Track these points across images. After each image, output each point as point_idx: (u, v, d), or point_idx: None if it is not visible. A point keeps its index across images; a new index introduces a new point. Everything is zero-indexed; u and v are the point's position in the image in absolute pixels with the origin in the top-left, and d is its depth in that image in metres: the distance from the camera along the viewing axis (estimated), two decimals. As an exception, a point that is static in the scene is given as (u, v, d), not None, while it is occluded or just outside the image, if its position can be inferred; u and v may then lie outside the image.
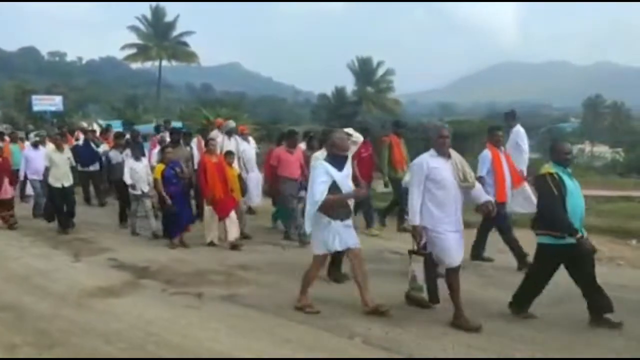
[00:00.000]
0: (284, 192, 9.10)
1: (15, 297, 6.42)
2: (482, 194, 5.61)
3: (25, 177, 12.11)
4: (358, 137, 7.76)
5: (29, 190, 12.52)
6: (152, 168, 9.87)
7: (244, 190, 9.65)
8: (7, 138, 15.59)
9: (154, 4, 56.11)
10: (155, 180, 9.09)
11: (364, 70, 58.05)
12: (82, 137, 15.70)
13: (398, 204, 9.88)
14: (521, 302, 5.54)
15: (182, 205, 9.03)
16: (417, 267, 5.48)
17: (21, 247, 9.09)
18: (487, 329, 5.10)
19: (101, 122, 29.73)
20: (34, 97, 37.85)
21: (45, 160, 10.30)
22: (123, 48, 55.27)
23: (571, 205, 5.20)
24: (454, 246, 5.32)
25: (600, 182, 16.39)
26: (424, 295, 5.48)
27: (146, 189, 9.85)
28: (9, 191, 10.63)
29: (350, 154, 5.99)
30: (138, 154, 10.17)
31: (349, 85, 57.89)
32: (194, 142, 11.59)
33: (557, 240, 5.21)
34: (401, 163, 9.81)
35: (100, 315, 5.81)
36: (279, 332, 5.24)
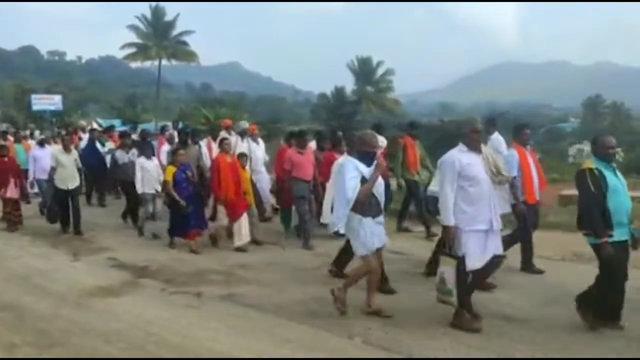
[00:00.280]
0: (295, 194, 8.90)
1: (14, 297, 6.41)
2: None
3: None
4: (383, 142, 7.45)
5: (31, 189, 12.44)
6: (163, 167, 9.74)
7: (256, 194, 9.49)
8: (10, 138, 15.55)
9: (153, 3, 56.05)
10: (165, 182, 8.85)
11: (364, 70, 58.03)
12: (84, 136, 15.67)
13: (407, 206, 9.78)
14: (606, 315, 5.14)
15: (193, 209, 8.71)
16: (448, 270, 5.18)
17: (21, 247, 9.09)
18: (487, 329, 5.09)
19: (101, 121, 29.76)
20: (33, 96, 37.83)
21: (51, 160, 10.17)
22: (123, 47, 55.16)
23: (614, 203, 4.92)
24: (480, 248, 5.09)
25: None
26: (453, 300, 5.19)
27: (159, 188, 9.62)
28: (14, 191, 10.51)
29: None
30: (149, 153, 9.98)
31: (349, 85, 57.91)
32: (204, 142, 11.42)
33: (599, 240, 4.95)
34: (415, 165, 9.56)
35: (100, 314, 5.81)
36: (279, 332, 5.24)
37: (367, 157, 5.46)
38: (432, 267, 6.41)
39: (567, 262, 7.62)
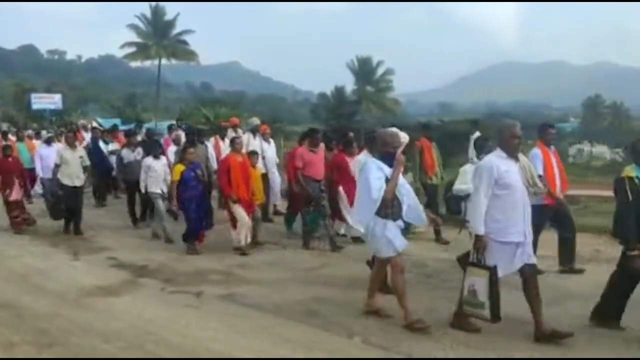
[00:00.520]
0: (305, 194, 8.69)
1: (14, 296, 6.41)
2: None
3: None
4: (405, 137, 7.47)
5: (36, 189, 12.35)
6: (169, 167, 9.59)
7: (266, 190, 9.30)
8: (12, 137, 15.48)
9: (153, 3, 56.03)
10: (172, 182, 8.68)
11: (364, 70, 58.00)
12: (87, 135, 15.59)
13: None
14: (608, 315, 5.11)
15: (200, 210, 8.58)
16: (479, 282, 4.88)
17: (20, 246, 9.09)
18: (486, 329, 5.09)
19: (100, 120, 29.75)
20: (33, 95, 37.90)
21: (56, 158, 10.05)
22: (122, 46, 55.12)
23: None
24: (512, 259, 4.89)
25: (600, 183, 16.37)
26: (486, 312, 4.88)
27: (165, 188, 9.46)
28: (19, 192, 10.33)
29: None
30: (157, 153, 9.82)
31: (349, 84, 57.91)
32: (211, 142, 11.23)
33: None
34: (432, 168, 9.34)
35: (100, 314, 5.81)
36: (278, 332, 5.23)
37: (388, 157, 5.31)
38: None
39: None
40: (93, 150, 12.59)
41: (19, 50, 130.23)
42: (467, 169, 6.57)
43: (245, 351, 4.80)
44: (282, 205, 11.12)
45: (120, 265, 7.85)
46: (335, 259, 8.11)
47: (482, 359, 4.64)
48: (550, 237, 7.36)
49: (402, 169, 5.35)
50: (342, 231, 9.14)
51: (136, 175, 9.98)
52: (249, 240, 8.48)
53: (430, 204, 9.16)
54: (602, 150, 42.02)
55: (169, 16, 56.14)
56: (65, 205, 9.88)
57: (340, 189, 8.95)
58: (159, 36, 54.97)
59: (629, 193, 4.84)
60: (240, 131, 11.43)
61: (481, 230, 4.84)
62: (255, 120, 11.34)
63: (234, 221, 8.44)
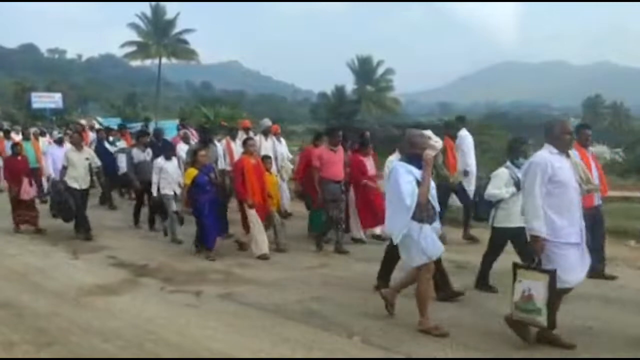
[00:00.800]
0: (324, 197, 8.32)
1: (13, 295, 6.40)
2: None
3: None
4: (438, 142, 7.20)
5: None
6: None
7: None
8: (15, 136, 15.42)
9: (154, 2, 56.03)
10: (184, 185, 8.36)
11: (364, 69, 58.09)
12: (91, 135, 15.52)
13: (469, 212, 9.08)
14: None
15: (215, 215, 8.25)
16: (536, 287, 4.55)
17: (20, 244, 9.08)
18: (485, 329, 5.09)
19: (100, 119, 29.74)
20: (33, 94, 37.94)
21: (63, 160, 9.79)
22: (123, 46, 55.17)
23: None
24: (576, 262, 4.63)
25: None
26: (542, 319, 4.57)
27: (178, 190, 9.20)
28: (29, 192, 10.07)
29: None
30: (169, 154, 9.61)
31: (349, 84, 57.97)
32: (222, 144, 10.98)
33: None
34: (455, 168, 8.89)
35: (99, 313, 5.80)
36: (278, 331, 5.23)
37: (417, 159, 5.06)
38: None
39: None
40: (101, 151, 12.20)
41: (19, 49, 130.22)
42: (501, 173, 6.31)
43: (245, 350, 4.80)
44: (291, 207, 11.02)
45: (120, 264, 7.85)
46: (335, 259, 8.10)
47: (482, 359, 4.64)
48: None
49: (431, 170, 5.13)
50: (378, 231, 8.90)
51: (146, 176, 9.85)
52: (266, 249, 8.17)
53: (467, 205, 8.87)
54: (602, 150, 41.99)
55: (169, 15, 56.26)
56: (74, 207, 9.53)
57: (352, 189, 8.81)
58: (159, 35, 55.02)
59: None
60: (251, 133, 11.24)
61: (542, 231, 4.51)
62: (267, 122, 11.07)
63: (246, 226, 8.28)
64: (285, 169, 11.00)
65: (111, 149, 12.91)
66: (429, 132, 5.53)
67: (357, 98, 55.84)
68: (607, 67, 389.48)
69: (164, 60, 55.61)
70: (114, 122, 23.96)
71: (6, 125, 24.54)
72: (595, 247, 6.54)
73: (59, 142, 12.24)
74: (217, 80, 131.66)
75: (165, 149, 9.81)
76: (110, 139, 13.57)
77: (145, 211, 10.48)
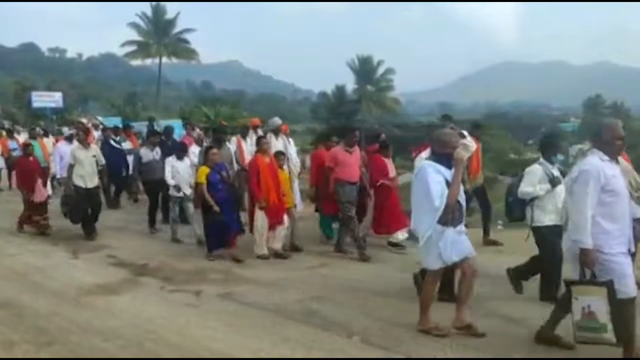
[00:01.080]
0: (340, 199, 8.07)
1: (13, 295, 6.40)
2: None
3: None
4: (471, 143, 6.70)
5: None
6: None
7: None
8: (18, 136, 15.36)
9: (154, 2, 56.06)
10: (198, 185, 8.07)
11: (364, 69, 58.10)
12: (96, 133, 15.41)
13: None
14: None
15: (229, 214, 8.02)
16: (596, 302, 4.26)
17: (20, 244, 9.08)
18: (485, 329, 5.08)
19: (101, 118, 29.74)
20: (33, 93, 37.95)
21: (69, 158, 9.58)
22: (123, 45, 55.23)
23: None
24: (630, 270, 4.37)
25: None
26: (608, 336, 4.27)
27: (188, 191, 9.09)
28: (43, 193, 9.85)
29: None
30: (181, 153, 9.40)
31: (349, 83, 57.99)
32: (233, 142, 10.78)
33: None
34: (477, 171, 8.58)
35: (99, 312, 5.80)
36: (278, 331, 5.23)
37: (447, 158, 4.86)
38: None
39: (566, 262, 7.59)
40: (106, 151, 11.87)
41: (19, 48, 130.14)
42: (534, 170, 6.05)
43: (245, 350, 4.80)
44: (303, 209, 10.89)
45: (120, 263, 7.85)
46: (335, 258, 8.10)
47: (482, 359, 4.64)
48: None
49: (462, 170, 4.96)
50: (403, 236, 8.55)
51: (156, 176, 9.73)
52: (279, 245, 8.16)
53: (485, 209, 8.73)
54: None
55: (169, 15, 56.34)
56: (80, 206, 9.42)
57: (372, 193, 8.55)
58: (160, 35, 55.07)
59: None
60: (260, 132, 11.13)
61: (589, 243, 4.27)
62: (277, 121, 10.76)
63: (252, 225, 8.21)
64: (295, 168, 10.90)
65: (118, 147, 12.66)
66: (464, 132, 5.28)
67: (358, 98, 55.85)
68: (607, 67, 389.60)
69: (164, 59, 55.69)
70: (114, 122, 23.96)
71: (7, 124, 24.57)
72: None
73: (69, 139, 12.09)
74: (217, 79, 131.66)
75: (178, 149, 9.60)
76: (117, 138, 13.31)
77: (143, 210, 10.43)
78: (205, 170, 8.02)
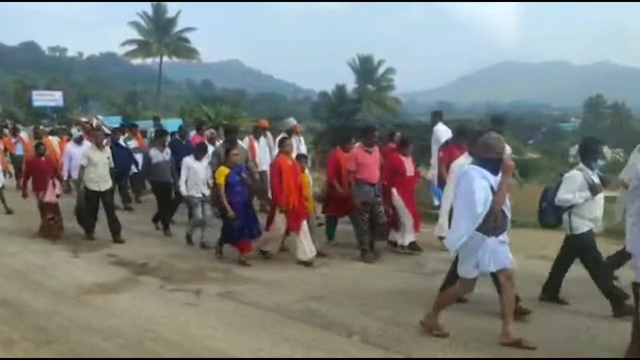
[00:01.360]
0: (356, 199, 7.89)
1: (13, 293, 6.41)
2: None
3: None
4: (506, 149, 6.75)
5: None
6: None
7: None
8: (22, 135, 15.24)
9: (155, 1, 56.09)
10: (217, 186, 7.84)
11: (365, 69, 58.12)
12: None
13: None
14: None
15: (246, 216, 7.80)
16: None
17: (20, 243, 9.07)
18: (485, 329, 5.08)
19: (101, 117, 29.73)
20: (34, 92, 37.97)
21: (82, 159, 9.26)
22: (124, 44, 55.34)
23: None
24: None
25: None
26: None
27: (207, 192, 8.84)
28: (54, 193, 9.53)
29: None
30: (200, 154, 9.11)
31: (350, 83, 57.97)
32: (245, 142, 10.60)
33: None
34: None
35: (99, 311, 5.80)
36: (277, 330, 5.23)
37: (492, 163, 4.67)
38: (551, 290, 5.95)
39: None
40: (114, 152, 11.05)
41: (20, 47, 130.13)
42: (574, 176, 5.70)
43: (244, 349, 4.80)
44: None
45: (120, 262, 7.84)
46: (335, 258, 8.09)
47: (481, 358, 4.64)
48: (542, 236, 7.39)
49: (510, 177, 4.84)
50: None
51: (165, 177, 9.60)
52: (314, 252, 7.81)
53: None
54: (604, 151, 42.00)
55: (170, 14, 56.44)
56: (90, 210, 9.27)
57: (394, 191, 8.32)
58: (160, 34, 55.15)
59: None
60: (269, 133, 11.01)
61: None
62: (292, 121, 10.65)
63: (269, 224, 7.97)
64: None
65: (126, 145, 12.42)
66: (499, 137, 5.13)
67: (358, 97, 55.79)
68: (607, 67, 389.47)
69: (164, 58, 55.78)
70: (114, 121, 23.89)
71: (10, 123, 24.48)
72: None
73: (79, 140, 11.91)
74: (217, 78, 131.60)
75: (198, 149, 9.29)
76: (125, 136, 13.06)
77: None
78: (224, 171, 7.80)
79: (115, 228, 9.17)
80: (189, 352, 4.79)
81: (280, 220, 7.83)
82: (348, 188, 8.00)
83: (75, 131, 16.15)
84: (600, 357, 4.65)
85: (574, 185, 5.62)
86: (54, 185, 9.56)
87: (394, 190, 8.31)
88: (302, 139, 10.71)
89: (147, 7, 57.23)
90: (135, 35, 55.41)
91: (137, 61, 60.83)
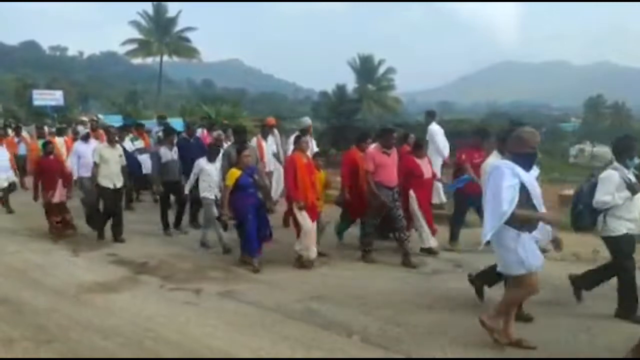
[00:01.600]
0: (371, 202, 7.74)
1: (13, 292, 6.41)
2: None
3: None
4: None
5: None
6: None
7: None
8: (25, 134, 15.13)
9: (155, 1, 56.06)
10: (225, 186, 7.64)
11: (365, 68, 58.01)
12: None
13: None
14: None
15: (259, 219, 7.59)
16: None
17: (20, 242, 9.07)
18: (484, 330, 5.08)
19: (102, 117, 29.72)
20: (34, 91, 37.88)
21: (94, 156, 9.19)
22: (124, 43, 55.28)
23: None
24: None
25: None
26: None
27: (220, 194, 8.52)
28: (62, 193, 9.43)
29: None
30: (213, 155, 8.90)
31: (350, 83, 57.88)
32: (253, 142, 10.43)
33: None
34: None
35: (99, 310, 5.81)
36: (277, 330, 5.23)
37: (526, 158, 4.55)
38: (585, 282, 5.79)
39: (566, 262, 7.60)
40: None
41: (20, 46, 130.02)
42: (610, 176, 5.43)
43: (244, 349, 4.80)
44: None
45: (120, 261, 7.84)
46: (335, 258, 8.09)
47: (481, 358, 4.64)
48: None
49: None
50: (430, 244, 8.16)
51: (174, 177, 9.55)
52: (315, 253, 7.63)
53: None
54: (603, 150, 41.98)
55: (170, 13, 56.38)
56: (104, 209, 9.21)
57: (412, 193, 8.13)
58: (161, 33, 55.12)
59: None
60: (276, 131, 10.93)
61: None
62: (307, 121, 10.51)
63: (297, 229, 7.69)
64: None
65: (132, 146, 12.24)
66: (533, 130, 4.99)
67: (359, 97, 55.61)
68: (607, 67, 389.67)
69: (165, 58, 55.75)
70: (115, 120, 23.87)
71: (13, 122, 24.40)
72: None
73: (85, 138, 11.94)
74: (218, 78, 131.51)
75: (212, 152, 9.07)
76: (130, 136, 12.90)
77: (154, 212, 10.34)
78: (236, 173, 7.62)
79: (119, 228, 9.17)
80: (189, 351, 4.79)
81: (304, 218, 7.57)
82: (367, 188, 7.77)
83: (81, 128, 15.94)
84: (600, 357, 4.65)
85: (611, 186, 5.36)
86: (63, 185, 9.46)
87: (411, 192, 8.11)
88: (312, 138, 10.53)
89: (148, 6, 57.19)
90: (136, 34, 55.43)
91: (137, 60, 60.77)
